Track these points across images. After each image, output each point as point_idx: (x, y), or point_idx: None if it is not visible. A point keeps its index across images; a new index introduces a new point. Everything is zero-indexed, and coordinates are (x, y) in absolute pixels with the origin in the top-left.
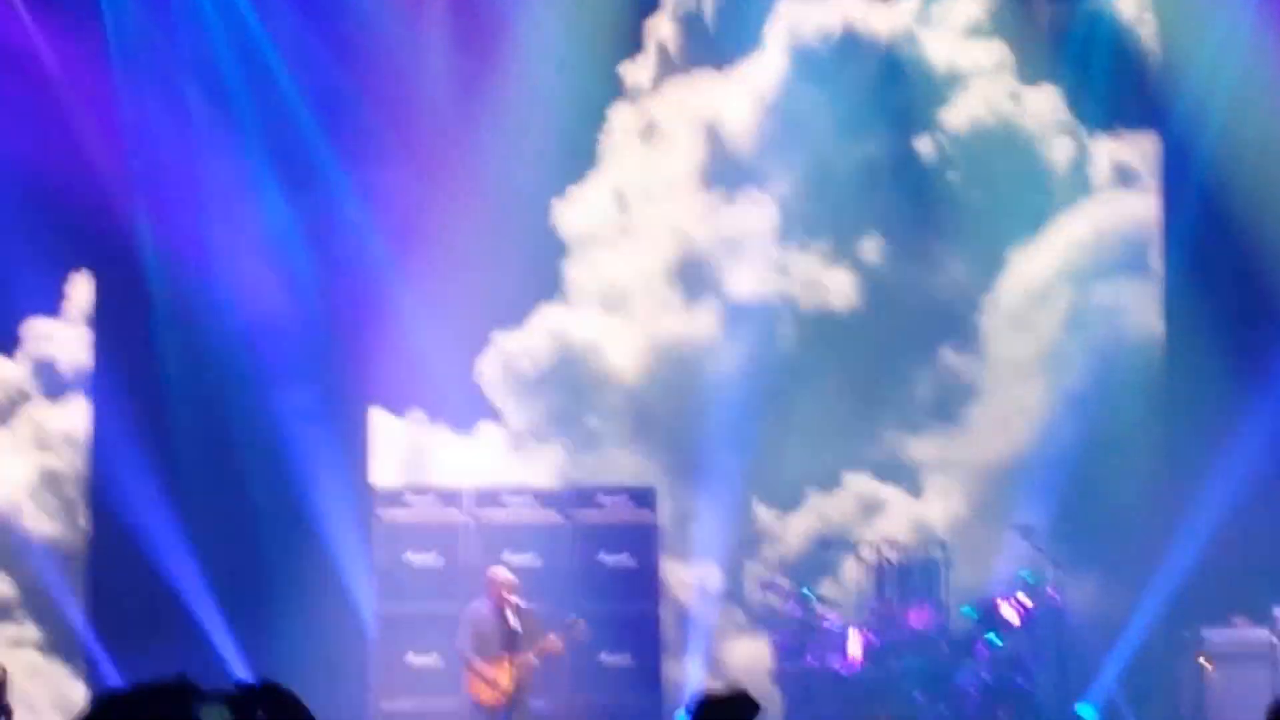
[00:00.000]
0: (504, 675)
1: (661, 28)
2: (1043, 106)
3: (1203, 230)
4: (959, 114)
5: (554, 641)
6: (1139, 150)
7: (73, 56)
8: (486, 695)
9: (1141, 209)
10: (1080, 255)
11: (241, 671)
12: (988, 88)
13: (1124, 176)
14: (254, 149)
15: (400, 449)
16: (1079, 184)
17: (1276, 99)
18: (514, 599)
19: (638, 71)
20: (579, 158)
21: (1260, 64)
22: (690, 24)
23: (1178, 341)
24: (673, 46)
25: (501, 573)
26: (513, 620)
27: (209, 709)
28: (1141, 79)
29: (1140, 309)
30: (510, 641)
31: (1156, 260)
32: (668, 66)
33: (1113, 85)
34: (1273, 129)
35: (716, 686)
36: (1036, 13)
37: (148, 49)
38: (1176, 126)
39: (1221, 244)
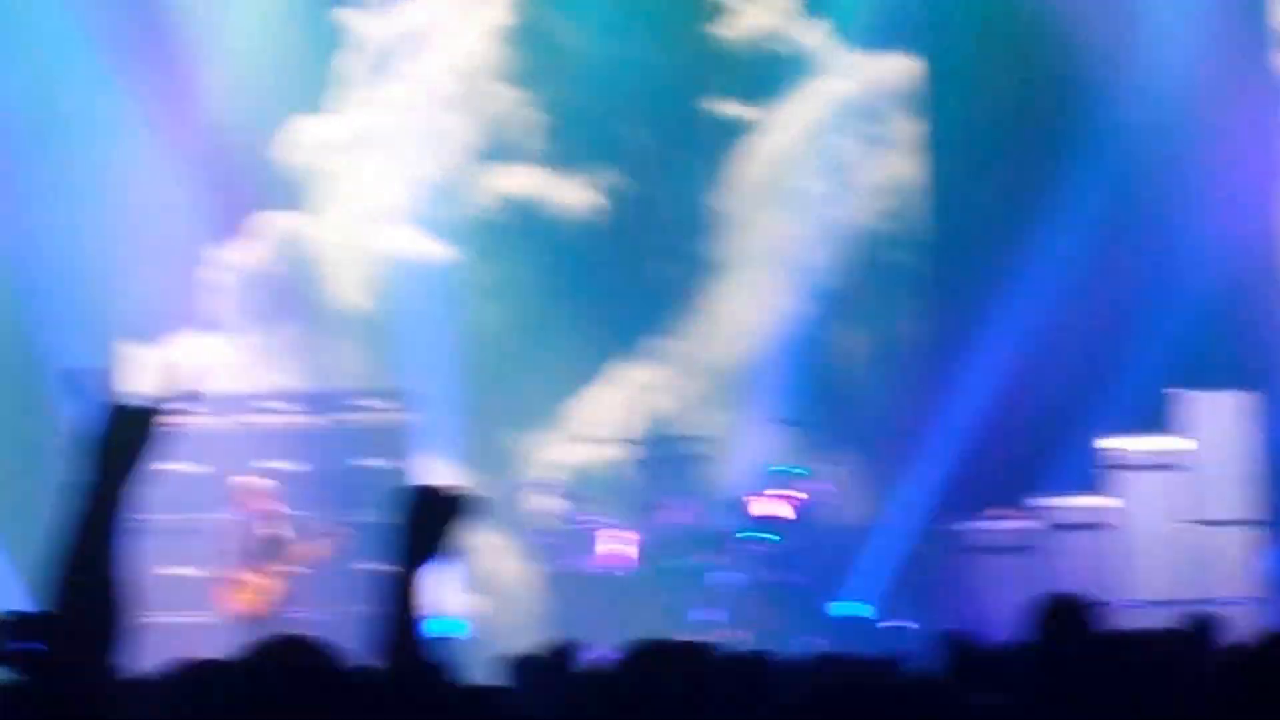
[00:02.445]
0: (260, 585)
1: None
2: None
3: (966, 92)
4: (724, 27)
5: (311, 549)
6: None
7: None
8: (243, 606)
9: (902, 68)
10: (834, 118)
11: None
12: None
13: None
14: None
15: (147, 369)
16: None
17: None
18: (268, 507)
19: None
20: (311, 88)
21: None
22: None
23: (942, 212)
24: None
25: (255, 481)
26: (268, 529)
27: None
28: None
29: (898, 175)
30: (266, 551)
31: (913, 125)
32: None
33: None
34: None
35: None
36: None
37: None
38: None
39: (986, 112)
